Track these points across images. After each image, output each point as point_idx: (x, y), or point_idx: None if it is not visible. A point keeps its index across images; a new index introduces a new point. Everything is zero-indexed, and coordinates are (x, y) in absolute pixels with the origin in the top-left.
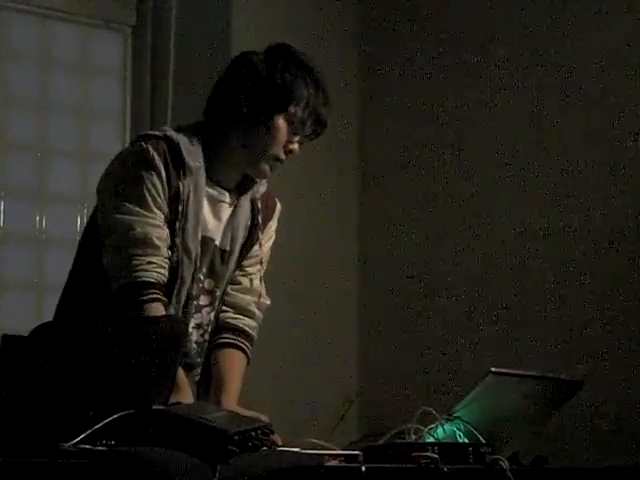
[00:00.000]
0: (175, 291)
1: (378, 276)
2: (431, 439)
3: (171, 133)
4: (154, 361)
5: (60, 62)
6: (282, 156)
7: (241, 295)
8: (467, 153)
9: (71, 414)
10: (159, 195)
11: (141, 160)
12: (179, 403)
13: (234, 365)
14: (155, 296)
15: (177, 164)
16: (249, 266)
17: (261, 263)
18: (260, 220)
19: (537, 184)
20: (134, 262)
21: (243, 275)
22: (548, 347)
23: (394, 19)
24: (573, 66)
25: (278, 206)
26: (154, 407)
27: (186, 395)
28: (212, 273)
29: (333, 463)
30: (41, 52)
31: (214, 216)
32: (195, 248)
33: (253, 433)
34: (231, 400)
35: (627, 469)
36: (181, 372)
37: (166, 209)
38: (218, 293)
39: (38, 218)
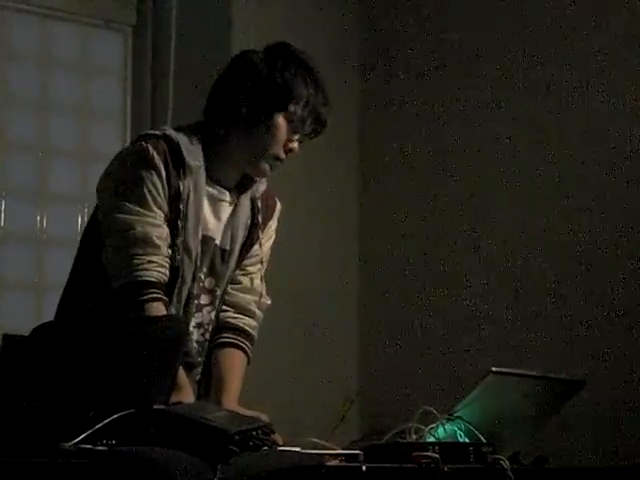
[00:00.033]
0: (176, 290)
1: (378, 276)
2: (432, 439)
3: (171, 132)
4: (155, 361)
5: (60, 62)
6: (282, 155)
7: (241, 294)
8: (467, 153)
9: (71, 414)
10: (159, 194)
11: (141, 159)
12: (180, 403)
13: (234, 365)
14: (156, 295)
15: (177, 163)
16: (249, 265)
17: (261, 262)
18: (260, 219)
19: (537, 184)
20: (135, 261)
21: (243, 274)
22: (548, 347)
23: (394, 19)
24: (573, 66)
25: (278, 205)
26: (155, 407)
27: (187, 395)
28: (212, 272)
29: (334, 463)
30: (41, 52)
31: (214, 215)
32: (196, 247)
33: (254, 433)
34: (231, 400)
35: (627, 469)
36: (182, 372)
37: (166, 208)
38: (218, 292)
39: (38, 218)
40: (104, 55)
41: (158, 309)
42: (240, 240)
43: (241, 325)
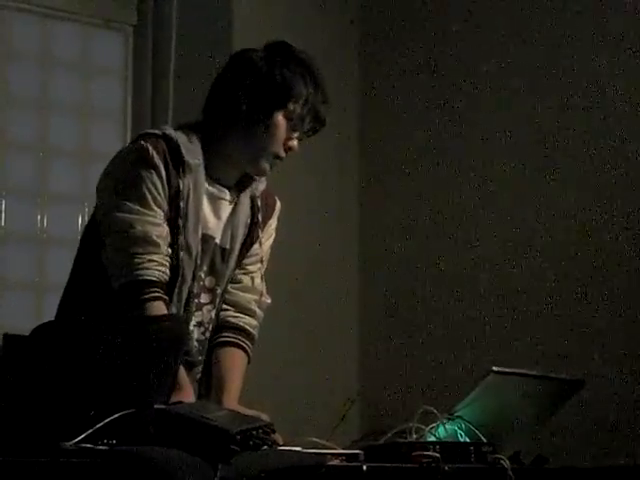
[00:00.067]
0: (176, 289)
1: (378, 276)
2: (432, 438)
3: (170, 132)
4: (155, 360)
5: (61, 62)
6: (281, 153)
7: (242, 294)
8: (467, 153)
9: (72, 413)
10: (159, 193)
11: (140, 159)
12: (180, 402)
13: (235, 364)
14: (156, 294)
15: (176, 162)
16: (250, 264)
17: (261, 261)
18: (260, 218)
19: (537, 184)
20: (135, 260)
21: (244, 273)
22: (548, 347)
23: (394, 19)
24: (573, 66)
25: (278, 204)
26: (155, 406)
27: (187, 394)
28: (212, 271)
29: (334, 462)
30: (42, 51)
31: (214, 214)
32: (196, 246)
33: (254, 432)
34: (232, 399)
35: (627, 469)
36: (182, 371)
37: (166, 207)
38: (219, 291)
39: (39, 218)
40: (104, 55)
41: (159, 308)
42: (240, 239)
43: (241, 324)
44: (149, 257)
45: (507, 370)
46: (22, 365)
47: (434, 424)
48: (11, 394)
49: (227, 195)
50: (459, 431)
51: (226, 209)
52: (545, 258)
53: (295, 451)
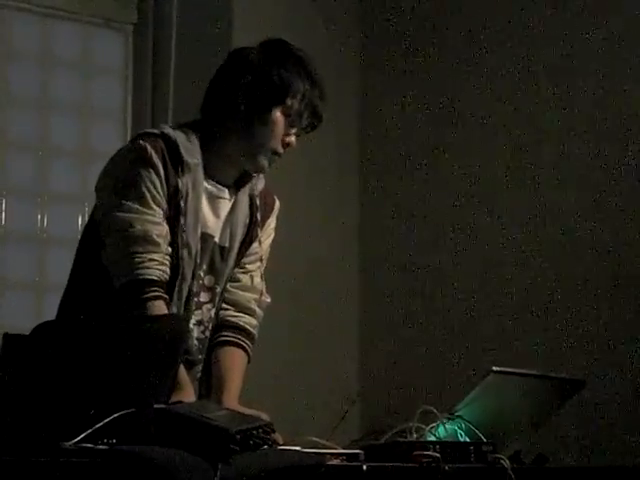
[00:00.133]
0: (176, 288)
1: (378, 276)
2: (432, 438)
3: (168, 131)
4: (155, 359)
5: (61, 61)
6: (280, 149)
7: (241, 293)
8: (467, 153)
9: (72, 413)
10: (158, 192)
11: (139, 158)
12: (181, 402)
13: (235, 363)
14: (157, 294)
15: (175, 162)
16: (249, 263)
17: (261, 260)
18: (259, 217)
19: (537, 184)
20: (135, 260)
21: (243, 272)
22: (548, 347)
23: (394, 19)
24: (573, 66)
25: (277, 203)
26: (155, 406)
27: (188, 394)
28: (212, 270)
29: (334, 462)
30: (42, 51)
31: (213, 213)
32: (195, 245)
33: (254, 432)
34: (232, 398)
35: (627, 469)
36: (183, 370)
37: (165, 206)
38: (218, 290)
39: (39, 217)
40: (105, 54)
41: (159, 307)
42: (239, 237)
43: (241, 324)
44: (149, 256)
45: (507, 370)
46: (22, 364)
47: (434, 424)
48: (11, 394)
49: (226, 194)
50: (459, 431)
51: (225, 208)
52: (545, 258)
53: (295, 451)
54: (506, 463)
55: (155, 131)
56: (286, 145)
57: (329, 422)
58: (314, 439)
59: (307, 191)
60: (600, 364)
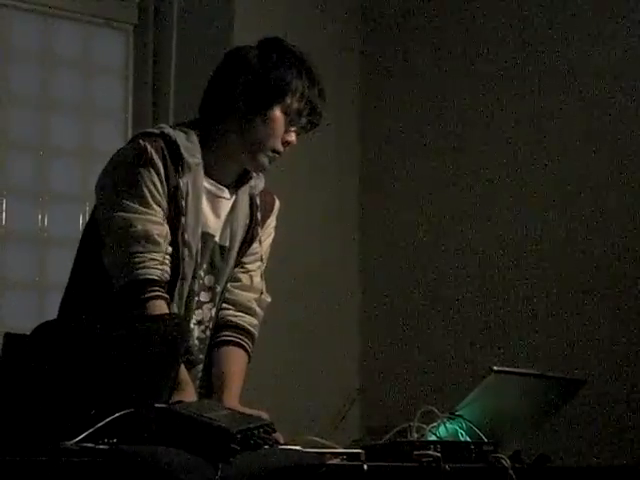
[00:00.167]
0: (177, 287)
1: (378, 276)
2: (433, 437)
3: (168, 130)
4: (156, 359)
5: (62, 60)
6: (280, 148)
7: (242, 292)
8: (467, 153)
9: (73, 412)
10: (158, 192)
11: (139, 158)
12: (181, 401)
13: (235, 363)
14: (157, 293)
15: (175, 161)
16: (249, 263)
17: (261, 260)
18: (259, 217)
19: (537, 184)
20: (135, 259)
21: (243, 272)
22: (548, 347)
23: (395, 19)
24: (573, 66)
25: (277, 203)
26: (156, 405)
27: (188, 393)
28: (212, 269)
29: (335, 461)
30: (43, 50)
31: (213, 212)
32: (196, 244)
33: (255, 432)
34: (232, 398)
35: (627, 469)
36: (184, 370)
37: (165, 206)
38: (218, 289)
39: (40, 217)
40: (105, 54)
41: (160, 307)
42: (239, 237)
43: (242, 323)
44: (150, 256)
45: (507, 369)
46: (23, 364)
47: (435, 423)
48: (12, 393)
49: (226, 193)
50: (460, 430)
51: (225, 207)
52: (545, 258)
53: (296, 450)
54: (507, 463)
55: (155, 131)
56: (286, 144)
57: (329, 422)
58: (314, 439)
59: (307, 191)
60: (600, 364)
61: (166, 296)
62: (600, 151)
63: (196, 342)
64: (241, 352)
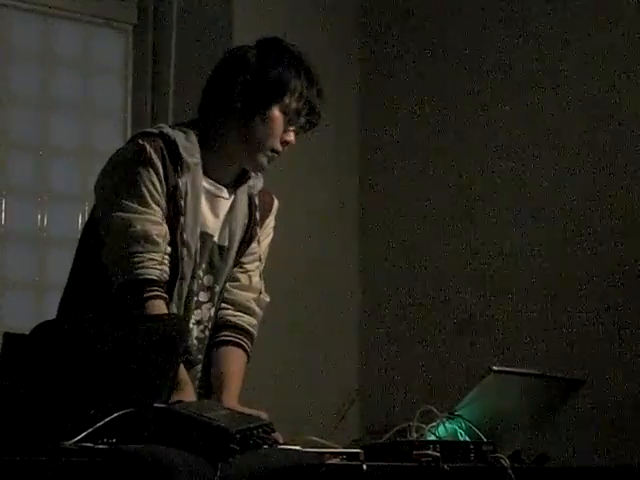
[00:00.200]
0: (176, 287)
1: (378, 276)
2: (432, 437)
3: (167, 130)
4: (156, 359)
5: (62, 60)
6: (279, 147)
7: (240, 292)
8: (467, 153)
9: (72, 412)
10: (157, 192)
11: (138, 158)
12: (181, 401)
13: (235, 363)
14: (156, 293)
15: (174, 161)
16: (248, 263)
17: (260, 260)
18: (258, 217)
19: (537, 184)
20: (134, 259)
21: (242, 272)
22: (548, 347)
23: (394, 19)
24: (573, 66)
25: (275, 203)
26: (156, 405)
27: (188, 393)
28: (211, 269)
29: (334, 461)
30: (43, 50)
31: (212, 212)
32: (195, 244)
33: (254, 431)
34: (232, 398)
35: (627, 469)
36: (183, 370)
37: (165, 205)
38: (217, 289)
39: (39, 217)
40: (105, 54)
41: (159, 307)
42: (238, 237)
43: (241, 323)
44: (149, 256)
45: (507, 369)
46: (22, 364)
47: (434, 423)
48: (11, 393)
49: (224, 193)
50: (459, 430)
51: (224, 207)
52: (545, 258)
53: (295, 450)
54: (506, 462)
55: (154, 130)
56: (285, 143)
57: (329, 422)
58: (314, 438)
59: (306, 191)
60: (600, 364)
61: (165, 296)
62: (600, 150)
63: (195, 342)
64: (240, 352)
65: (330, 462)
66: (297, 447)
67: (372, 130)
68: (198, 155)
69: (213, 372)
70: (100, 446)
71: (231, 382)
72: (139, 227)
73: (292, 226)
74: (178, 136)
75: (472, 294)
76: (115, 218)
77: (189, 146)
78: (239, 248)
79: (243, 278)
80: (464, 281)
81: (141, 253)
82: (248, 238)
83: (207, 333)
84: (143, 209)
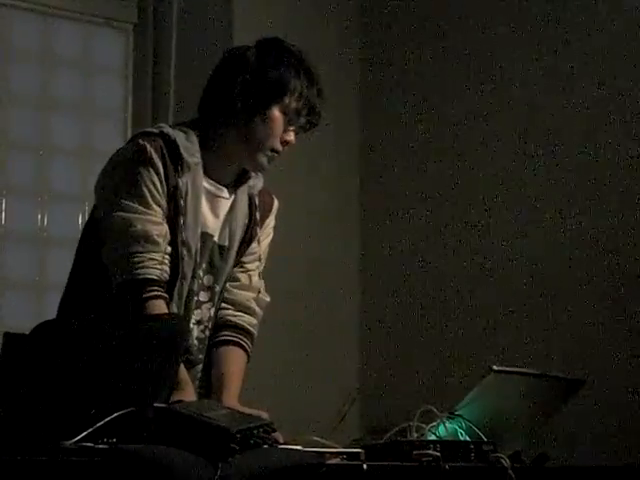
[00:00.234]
0: (176, 287)
1: (378, 276)
2: (433, 437)
3: (168, 130)
4: (156, 358)
5: (62, 60)
6: (279, 147)
7: (240, 292)
8: (467, 153)
9: (72, 412)
10: (158, 192)
11: (139, 157)
12: (181, 401)
13: (235, 362)
14: (157, 293)
15: (175, 161)
16: (248, 263)
17: (260, 260)
18: (258, 216)
19: (537, 184)
20: (135, 259)
21: (242, 272)
22: (548, 347)
23: (394, 19)
24: (573, 66)
25: (275, 203)
26: (156, 405)
27: (188, 393)
28: (211, 269)
29: (334, 461)
30: (43, 50)
31: (212, 212)
32: (195, 244)
33: (255, 431)
34: (232, 397)
35: (627, 469)
36: (183, 370)
37: (165, 205)
38: (217, 289)
39: (40, 217)
40: (105, 53)
41: (159, 307)
42: (238, 237)
43: (241, 323)
44: (149, 256)
45: (507, 369)
46: (22, 364)
47: (434, 423)
48: (11, 393)
49: (225, 193)
50: (459, 430)
51: (224, 207)
52: (545, 258)
53: (295, 450)
54: (506, 462)
55: (154, 130)
56: (285, 143)
57: (329, 421)
58: (314, 438)
59: (307, 191)
60: (600, 364)
61: (165, 296)
62: (600, 150)
63: (195, 342)
64: (240, 352)
65: (330, 462)
66: (297, 447)
67: (372, 130)
68: (198, 155)
69: (213, 372)
70: (100, 446)
71: (231, 382)
72: (139, 227)
73: (292, 226)
74: (178, 136)
75: (472, 294)
76: (115, 218)
77: (189, 146)
78: (239, 248)
79: (243, 278)
80: (464, 281)
81: (141, 253)
82: (248, 238)
83: (207, 333)
84: (143, 209)
